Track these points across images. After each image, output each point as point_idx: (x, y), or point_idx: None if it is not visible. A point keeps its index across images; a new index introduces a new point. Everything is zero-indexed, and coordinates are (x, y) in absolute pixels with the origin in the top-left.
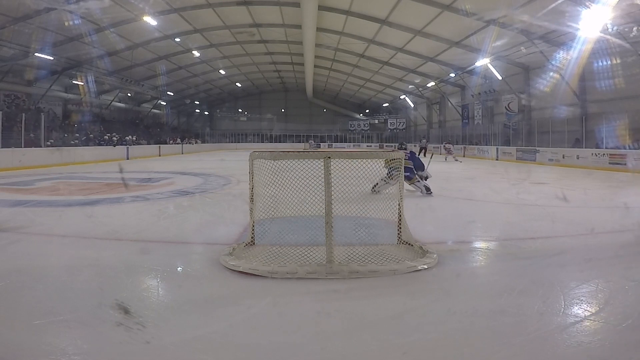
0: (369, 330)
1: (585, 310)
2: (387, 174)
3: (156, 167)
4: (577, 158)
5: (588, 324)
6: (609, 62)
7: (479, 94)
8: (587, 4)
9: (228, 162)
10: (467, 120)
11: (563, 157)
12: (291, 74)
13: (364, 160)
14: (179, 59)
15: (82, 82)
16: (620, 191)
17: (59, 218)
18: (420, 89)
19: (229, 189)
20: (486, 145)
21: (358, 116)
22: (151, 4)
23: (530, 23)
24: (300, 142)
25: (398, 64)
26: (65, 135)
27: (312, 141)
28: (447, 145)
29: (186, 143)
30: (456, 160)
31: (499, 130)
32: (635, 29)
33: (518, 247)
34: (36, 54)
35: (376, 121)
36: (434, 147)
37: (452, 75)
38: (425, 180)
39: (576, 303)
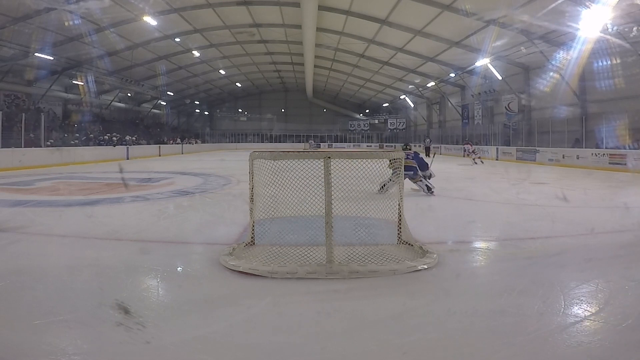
0: (369, 330)
1: (585, 310)
2: (393, 174)
3: (156, 167)
4: (577, 158)
5: (588, 324)
6: (609, 62)
7: (479, 94)
8: (587, 4)
9: (228, 162)
10: (467, 120)
11: (563, 157)
12: (291, 74)
13: (364, 160)
14: (179, 59)
15: (82, 82)
16: (620, 191)
17: (58, 218)
18: (420, 89)
19: (229, 189)
20: (486, 145)
21: (358, 116)
22: (151, 4)
23: (530, 23)
24: (300, 142)
25: (398, 64)
26: (65, 135)
27: (312, 141)
28: (467, 146)
29: (186, 143)
30: (477, 161)
31: (499, 130)
32: (635, 29)
33: (518, 247)
34: (36, 54)
35: (376, 121)
36: (434, 147)
37: (452, 75)
38: (429, 179)
39: (576, 303)
